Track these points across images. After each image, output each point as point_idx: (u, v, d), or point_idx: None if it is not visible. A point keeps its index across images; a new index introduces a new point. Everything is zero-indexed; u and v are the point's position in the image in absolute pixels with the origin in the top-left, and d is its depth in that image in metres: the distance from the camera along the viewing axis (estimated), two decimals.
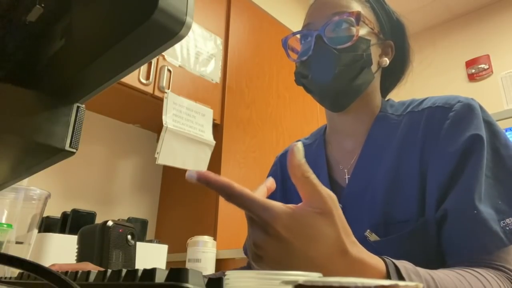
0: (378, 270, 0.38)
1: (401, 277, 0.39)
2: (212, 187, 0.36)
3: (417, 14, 3.06)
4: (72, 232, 1.14)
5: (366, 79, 0.69)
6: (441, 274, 0.45)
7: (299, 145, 0.38)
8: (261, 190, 0.43)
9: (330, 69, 0.66)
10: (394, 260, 0.40)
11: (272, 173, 0.86)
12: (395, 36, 0.76)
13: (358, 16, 0.67)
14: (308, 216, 0.36)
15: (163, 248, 1.40)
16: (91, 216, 1.22)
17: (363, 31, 0.68)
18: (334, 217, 0.36)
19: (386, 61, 0.72)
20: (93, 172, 1.76)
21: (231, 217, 1.70)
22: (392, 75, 0.80)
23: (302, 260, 0.35)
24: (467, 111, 0.62)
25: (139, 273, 0.28)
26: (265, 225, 0.35)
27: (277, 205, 0.36)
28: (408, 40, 0.78)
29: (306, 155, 0.84)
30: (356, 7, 0.70)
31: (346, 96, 0.69)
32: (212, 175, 0.37)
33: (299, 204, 0.37)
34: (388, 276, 0.38)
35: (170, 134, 1.58)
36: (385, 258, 0.40)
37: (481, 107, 0.63)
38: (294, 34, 0.75)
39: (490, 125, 0.61)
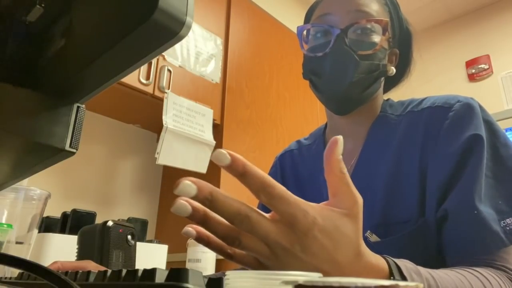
0: (382, 269, 0.38)
1: (403, 276, 0.39)
2: (247, 182, 0.32)
3: (417, 14, 3.06)
4: (72, 232, 1.14)
5: (376, 88, 0.69)
6: (441, 274, 0.45)
7: (341, 139, 0.36)
8: None
9: (348, 75, 0.64)
10: (395, 260, 0.40)
11: (271, 174, 0.86)
12: (402, 45, 0.75)
13: (386, 25, 0.65)
14: (337, 218, 0.34)
15: (163, 248, 1.40)
16: (91, 216, 1.22)
17: (383, 40, 0.67)
18: (359, 220, 0.36)
19: (393, 70, 0.70)
20: (93, 172, 1.76)
21: None
22: (389, 82, 0.79)
23: (327, 264, 0.34)
24: (466, 110, 0.61)
25: (139, 273, 0.28)
26: (307, 231, 0.33)
27: (312, 206, 0.34)
28: (413, 51, 0.76)
29: (305, 155, 0.84)
30: (377, 8, 0.68)
31: (354, 102, 0.68)
32: (250, 165, 0.33)
33: (326, 204, 0.36)
34: (391, 276, 0.38)
35: (170, 134, 1.58)
36: (386, 258, 0.40)
37: (480, 107, 0.63)
38: (313, 25, 0.70)
39: (489, 124, 0.61)
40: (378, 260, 0.38)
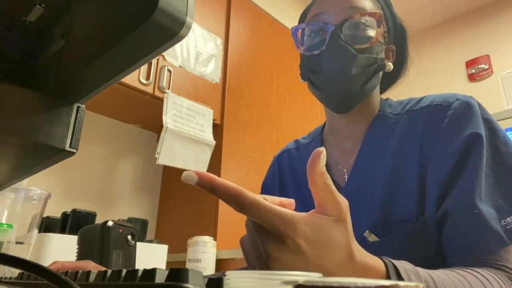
0: (378, 271, 0.38)
1: (400, 278, 0.39)
2: (218, 194, 0.33)
3: (417, 14, 3.06)
4: (72, 232, 1.14)
5: (374, 83, 0.69)
6: (441, 274, 0.45)
7: (324, 152, 0.36)
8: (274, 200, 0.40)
9: (346, 69, 0.64)
10: (393, 261, 0.40)
11: (270, 174, 0.86)
12: (397, 41, 0.75)
13: (380, 18, 0.66)
14: (326, 225, 0.35)
15: (163, 248, 1.40)
16: (91, 216, 1.22)
17: (379, 34, 0.67)
18: (347, 224, 0.36)
19: (391, 65, 0.70)
20: (93, 172, 1.76)
21: (231, 217, 1.70)
22: (387, 79, 0.79)
23: (314, 270, 0.34)
24: (465, 109, 0.61)
25: (139, 273, 0.28)
26: (283, 237, 0.33)
27: (295, 215, 0.34)
28: (408, 47, 0.77)
29: (303, 154, 0.83)
30: (369, 4, 0.68)
31: (354, 99, 0.67)
32: (218, 179, 0.33)
33: (314, 212, 0.36)
34: (387, 277, 0.38)
35: (170, 134, 1.58)
36: (384, 259, 0.40)
37: (479, 105, 0.63)
38: (307, 24, 0.70)
39: (489, 122, 0.61)
40: (374, 261, 0.38)
